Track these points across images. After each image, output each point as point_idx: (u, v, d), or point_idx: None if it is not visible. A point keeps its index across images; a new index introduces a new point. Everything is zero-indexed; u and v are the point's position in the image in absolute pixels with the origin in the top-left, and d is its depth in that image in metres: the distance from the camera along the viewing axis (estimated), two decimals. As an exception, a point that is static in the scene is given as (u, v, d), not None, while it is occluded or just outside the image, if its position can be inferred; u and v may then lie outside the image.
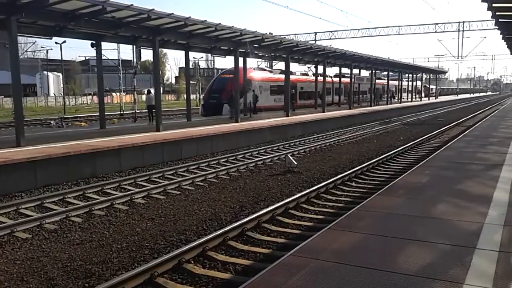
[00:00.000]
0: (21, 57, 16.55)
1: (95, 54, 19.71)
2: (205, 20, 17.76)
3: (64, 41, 48.03)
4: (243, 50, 24.59)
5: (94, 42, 18.65)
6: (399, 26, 58.28)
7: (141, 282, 5.78)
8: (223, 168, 14.04)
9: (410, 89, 63.53)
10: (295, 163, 14.00)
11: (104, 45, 19.45)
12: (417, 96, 68.43)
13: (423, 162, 12.03)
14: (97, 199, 10.27)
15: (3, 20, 13.34)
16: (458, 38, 57.33)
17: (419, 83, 73.50)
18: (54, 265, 6.56)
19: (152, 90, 23.59)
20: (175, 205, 9.98)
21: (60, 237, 7.89)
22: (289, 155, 14.73)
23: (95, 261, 6.69)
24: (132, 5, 14.47)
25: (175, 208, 9.76)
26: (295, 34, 60.45)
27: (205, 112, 30.67)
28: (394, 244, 5.54)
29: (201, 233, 7.99)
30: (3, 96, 57.40)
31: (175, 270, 6.25)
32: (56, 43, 48.98)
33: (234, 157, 16.26)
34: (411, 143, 19.41)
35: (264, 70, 37.80)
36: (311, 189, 10.60)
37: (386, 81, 54.79)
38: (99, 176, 12.70)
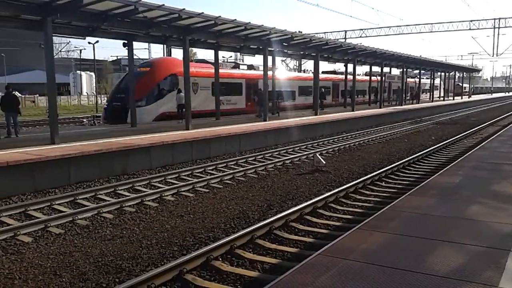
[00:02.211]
0: (55, 57, 16.98)
1: (126, 54, 20.06)
2: (235, 19, 17.82)
3: (97, 41, 49.20)
4: (272, 49, 24.55)
5: (126, 42, 19.00)
6: (431, 24, 57.26)
7: (170, 278, 5.85)
8: (251, 166, 14.07)
9: (442, 87, 62.18)
10: (324, 162, 13.90)
11: (136, 44, 19.78)
12: (449, 95, 66.86)
13: (455, 162, 11.76)
14: (128, 196, 10.45)
15: (40, 21, 13.76)
16: (494, 35, 55.91)
17: (449, 81, 71.84)
18: (86, 260, 6.71)
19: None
20: (204, 203, 10.06)
21: (92, 232, 8.07)
22: (317, 154, 14.64)
23: (125, 257, 6.82)
24: (163, 5, 14.66)
25: (204, 205, 9.84)
26: (325, 33, 60.04)
27: (105, 119, 23.99)
28: (425, 245, 5.43)
29: (229, 231, 8.03)
30: (38, 95, 59.10)
31: (203, 267, 6.30)
32: (89, 43, 50.22)
33: (262, 156, 16.28)
34: (443, 143, 18.98)
35: (207, 63, 29.39)
36: (339, 189, 10.51)
37: (417, 79, 53.78)
38: (130, 173, 12.93)
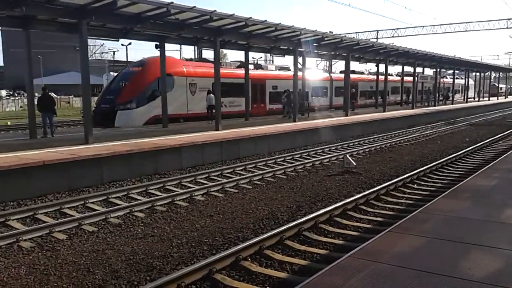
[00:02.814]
0: (89, 58, 17.40)
1: (158, 55, 20.35)
2: (265, 20, 17.86)
3: (130, 43, 50.15)
4: (302, 50, 24.47)
5: (158, 43, 19.30)
6: (467, 23, 55.80)
7: (200, 277, 5.90)
8: (280, 167, 14.05)
9: (478, 88, 60.55)
10: (354, 163, 13.75)
11: (167, 46, 20.08)
12: (484, 95, 65.04)
13: (490, 164, 11.43)
14: (159, 195, 10.60)
15: (75, 23, 14.15)
16: (532, 33, 53.82)
17: (484, 81, 69.86)
18: (118, 258, 6.85)
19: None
20: (233, 203, 10.11)
21: (124, 231, 8.23)
22: (347, 155, 14.49)
23: (156, 255, 6.92)
24: (195, 6, 14.83)
25: (233, 206, 9.89)
26: (356, 33, 59.45)
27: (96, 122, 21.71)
28: (458, 248, 5.29)
29: (258, 232, 8.04)
30: (72, 96, 60.72)
31: (233, 267, 6.33)
32: (122, 45, 51.23)
33: (291, 157, 16.23)
34: (477, 145, 18.47)
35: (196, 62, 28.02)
36: (370, 191, 10.36)
37: (451, 79, 52.55)
38: (161, 173, 13.12)
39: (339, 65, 54.73)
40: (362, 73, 43.24)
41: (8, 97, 61.40)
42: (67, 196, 10.55)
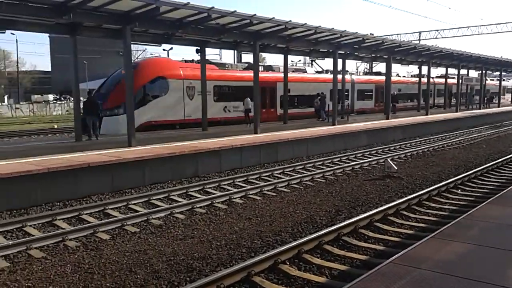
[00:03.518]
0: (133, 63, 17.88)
1: (198, 59, 20.56)
2: (305, 23, 17.82)
3: (171, 48, 51.02)
4: (343, 52, 24.23)
5: (199, 48, 19.61)
6: (514, 22, 53.52)
7: (238, 280, 5.94)
8: (319, 171, 13.95)
9: None
10: (395, 167, 13.48)
11: (207, 50, 20.29)
12: None
13: (541, 170, 10.92)
14: (199, 197, 10.75)
15: (119, 29, 14.58)
16: None
17: None
18: (159, 258, 6.99)
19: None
20: (271, 206, 10.12)
21: (164, 232, 8.39)
22: (388, 160, 14.22)
23: (196, 257, 7.02)
24: (235, 11, 14.99)
25: (271, 209, 9.90)
26: (398, 34, 58.31)
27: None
28: (505, 256, 5.09)
29: (296, 235, 8.02)
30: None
31: (271, 270, 6.34)
32: (164, 49, 52.16)
33: (330, 161, 16.08)
34: (526, 149, 17.72)
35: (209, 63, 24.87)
36: (412, 196, 10.13)
37: (497, 81, 50.65)
38: (200, 176, 13.30)
39: (377, 67, 53.68)
40: (397, 75, 42.24)
41: (55, 101, 63.95)
42: (111, 197, 10.86)
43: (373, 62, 46.77)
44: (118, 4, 12.78)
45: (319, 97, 27.21)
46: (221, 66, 24.71)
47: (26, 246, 7.35)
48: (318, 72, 34.01)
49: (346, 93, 31.69)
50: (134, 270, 6.54)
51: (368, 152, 18.10)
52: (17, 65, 76.59)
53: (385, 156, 16.91)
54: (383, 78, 37.02)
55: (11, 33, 63.43)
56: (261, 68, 26.92)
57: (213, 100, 22.71)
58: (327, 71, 33.57)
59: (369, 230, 8.17)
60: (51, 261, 6.92)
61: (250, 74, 24.44)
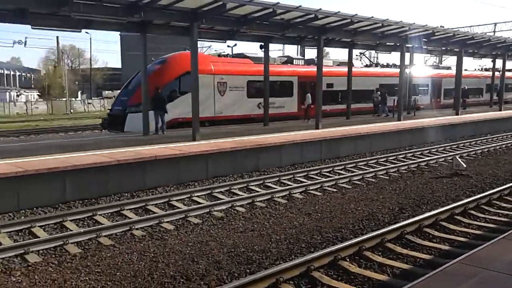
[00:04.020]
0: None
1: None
2: (372, 17, 17.41)
3: (235, 44, 51.51)
4: (410, 46, 23.40)
5: (262, 44, 19.71)
6: None
7: (298, 274, 5.95)
8: (382, 168, 13.61)
9: None
10: (464, 165, 12.88)
11: (270, 46, 20.37)
12: None
13: None
14: (259, 191, 10.86)
15: (187, 27, 15.00)
16: None
17: None
18: (220, 250, 7.15)
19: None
20: (332, 202, 10.02)
21: (225, 224, 8.56)
22: (457, 157, 13.60)
23: (256, 249, 7.11)
24: (300, 6, 14.95)
25: (332, 205, 9.80)
26: (470, 26, 55.32)
27: (101, 125, 21.71)
28: None
29: (357, 232, 7.89)
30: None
31: (331, 266, 6.29)
32: (228, 46, 52.83)
33: (394, 157, 15.64)
34: None
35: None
36: (481, 195, 9.65)
37: None
38: (261, 170, 13.41)
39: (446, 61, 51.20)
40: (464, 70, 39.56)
41: (125, 96, 66.74)
42: (175, 189, 11.23)
43: (443, 56, 44.70)
44: (186, 1, 13.12)
45: (378, 92, 26.50)
46: (257, 60, 22.98)
47: (96, 234, 7.79)
48: (366, 66, 32.41)
49: (396, 88, 29.58)
50: (196, 260, 6.74)
51: (435, 149, 17.40)
52: (90, 63, 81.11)
53: (453, 153, 16.18)
54: (440, 72, 35.08)
55: (86, 32, 66.99)
56: (301, 62, 26.11)
57: (246, 96, 21.79)
58: (377, 65, 32.00)
59: (434, 229, 7.88)
60: (118, 248, 7.29)
61: (288, 68, 24.12)
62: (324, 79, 23.23)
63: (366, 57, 35.17)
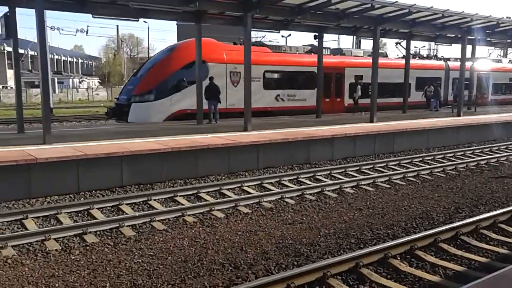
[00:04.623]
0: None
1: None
2: (431, 7, 16.75)
3: (289, 34, 51.20)
4: (473, 38, 22.33)
5: (317, 34, 19.49)
6: None
7: (346, 269, 5.88)
8: (439, 165, 13.14)
9: None
10: (528, 166, 12.19)
11: (325, 36, 20.06)
12: None
13: None
14: (309, 184, 10.81)
15: (240, 17, 15.08)
16: None
17: None
18: (268, 240, 7.19)
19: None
20: (384, 199, 9.81)
21: (274, 215, 8.60)
22: (520, 156, 12.91)
23: (304, 242, 7.09)
24: (356, -5, 14.64)
25: (384, 201, 9.59)
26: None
27: (107, 114, 20.66)
28: None
29: (409, 231, 7.69)
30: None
31: (380, 263, 6.17)
32: (282, 36, 52.57)
33: (452, 154, 15.06)
34: None
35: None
36: (546, 198, 9.10)
37: None
38: (312, 163, 13.33)
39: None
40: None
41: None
42: (226, 178, 11.39)
43: (509, 48, 42.28)
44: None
45: (431, 86, 25.51)
46: (276, 49, 21.66)
47: (150, 218, 8.06)
48: (402, 57, 30.23)
49: (438, 82, 27.30)
50: (244, 249, 6.82)
51: (497, 147, 16.58)
52: (148, 51, 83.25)
53: (516, 152, 15.37)
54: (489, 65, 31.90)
55: (144, 21, 68.86)
56: (327, 52, 24.24)
57: (262, 87, 20.40)
58: (414, 56, 29.20)
59: (492, 231, 7.53)
60: (171, 233, 7.51)
61: (310, 58, 21.91)
62: (351, 71, 22.77)
63: (402, 46, 33.37)
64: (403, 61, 25.07)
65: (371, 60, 23.46)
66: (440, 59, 30.80)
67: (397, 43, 31.44)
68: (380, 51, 30.07)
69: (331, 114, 21.42)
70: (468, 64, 31.19)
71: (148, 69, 19.33)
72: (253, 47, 20.79)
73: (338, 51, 25.75)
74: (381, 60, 24.02)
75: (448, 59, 31.64)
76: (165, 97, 18.27)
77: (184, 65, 18.63)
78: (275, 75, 20.78)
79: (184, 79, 18.48)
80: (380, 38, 20.75)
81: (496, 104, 29.45)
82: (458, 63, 30.23)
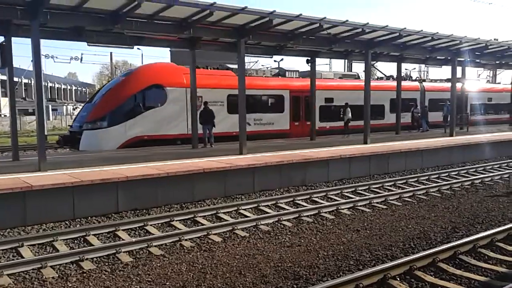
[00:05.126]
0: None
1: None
2: (421, 30, 17.12)
3: (282, 59, 51.80)
4: (462, 59, 22.76)
5: (309, 58, 19.77)
6: None
7: (346, 291, 5.86)
8: (434, 184, 13.21)
9: None
10: (522, 184, 12.28)
11: (318, 60, 20.37)
12: None
13: None
14: (306, 206, 10.81)
15: (234, 43, 15.30)
16: None
17: None
18: (267, 264, 7.15)
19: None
20: (381, 219, 9.81)
21: (272, 238, 8.56)
22: (514, 175, 13.01)
23: (303, 265, 7.06)
24: (347, 20, 14.92)
25: (381, 222, 9.59)
26: (527, 38, 53.03)
27: (58, 142, 19.96)
28: None
29: (408, 251, 7.68)
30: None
31: (380, 284, 6.15)
32: (275, 61, 53.10)
33: (446, 174, 15.15)
34: None
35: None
36: (542, 216, 9.15)
37: None
38: (308, 185, 13.34)
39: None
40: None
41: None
42: (222, 201, 11.36)
43: (497, 70, 43.02)
44: (234, 18, 13.42)
45: (418, 107, 25.88)
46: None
47: (147, 243, 8.00)
48: (379, 78, 30.22)
49: (411, 103, 26.86)
50: (243, 273, 6.77)
51: (490, 166, 16.71)
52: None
53: (510, 171, 15.47)
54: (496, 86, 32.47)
55: (138, 48, 69.43)
56: (295, 75, 24.11)
57: (226, 111, 19.84)
58: (388, 78, 29.08)
59: (490, 250, 7.54)
60: (168, 259, 7.44)
61: (278, 82, 21.98)
62: (321, 93, 21.96)
63: (376, 68, 33.19)
64: (377, 83, 25.31)
65: (342, 83, 23.93)
66: (415, 80, 30.35)
67: (370, 64, 31.01)
68: (351, 72, 30.11)
69: (327, 137, 21.41)
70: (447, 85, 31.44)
71: (103, 95, 18.90)
72: (216, 70, 21.44)
73: (307, 74, 24.04)
74: (353, 83, 24.85)
75: (424, 80, 31.70)
76: (119, 124, 17.56)
77: (140, 89, 18.17)
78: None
79: (140, 104, 18.07)
80: (353, 60, 21.00)
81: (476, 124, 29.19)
82: (433, 84, 30.93)
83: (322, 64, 66.27)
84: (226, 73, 20.88)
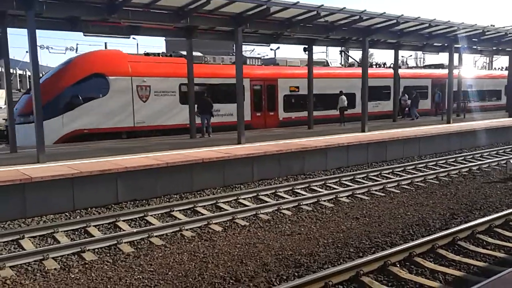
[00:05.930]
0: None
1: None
2: (418, 17, 17.07)
3: (278, 47, 51.63)
4: (459, 46, 22.72)
5: (306, 46, 19.70)
6: None
7: (347, 278, 5.92)
8: (432, 172, 13.27)
9: None
10: (519, 170, 12.36)
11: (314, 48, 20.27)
12: None
13: None
14: (305, 195, 10.85)
15: (231, 31, 15.23)
16: None
17: None
18: (268, 252, 7.21)
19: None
20: (380, 207, 9.88)
21: (272, 227, 8.62)
22: (511, 161, 13.07)
23: (303, 253, 7.12)
24: (344, 8, 14.85)
25: (380, 209, 9.66)
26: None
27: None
28: None
29: (407, 238, 7.75)
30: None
31: (380, 271, 6.21)
32: (271, 49, 52.97)
33: (444, 161, 15.22)
34: None
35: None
36: (539, 201, 9.23)
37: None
38: (306, 173, 13.39)
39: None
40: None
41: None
42: (222, 191, 11.40)
43: (494, 56, 43.01)
44: (230, 6, 13.33)
45: (405, 95, 25.76)
46: (195, 59, 18.41)
47: (148, 234, 8.03)
48: (350, 65, 28.79)
49: (388, 91, 25.81)
50: (244, 261, 6.82)
51: (488, 153, 16.80)
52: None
53: (507, 157, 15.56)
54: (445, 71, 27.97)
55: (133, 38, 68.86)
56: (257, 62, 22.90)
57: (178, 102, 18.54)
58: (359, 65, 26.34)
59: (488, 236, 7.62)
60: (169, 248, 7.49)
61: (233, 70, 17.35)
62: (286, 82, 21.29)
63: (348, 55, 31.51)
64: (347, 70, 24.81)
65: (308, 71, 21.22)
66: (389, 67, 28.71)
67: (341, 51, 30.13)
68: (320, 59, 28.81)
69: (324, 125, 21.33)
70: (428, 71, 30.83)
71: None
72: (167, 58, 20.27)
73: (271, 61, 24.11)
74: (322, 70, 23.39)
75: (399, 67, 30.25)
76: (54, 117, 16.06)
77: (78, 80, 16.70)
78: (194, 88, 17.15)
79: (78, 95, 16.62)
80: (370, 49, 20.79)
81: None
82: (409, 71, 30.12)
83: (318, 52, 66.02)
84: (179, 61, 18.97)
